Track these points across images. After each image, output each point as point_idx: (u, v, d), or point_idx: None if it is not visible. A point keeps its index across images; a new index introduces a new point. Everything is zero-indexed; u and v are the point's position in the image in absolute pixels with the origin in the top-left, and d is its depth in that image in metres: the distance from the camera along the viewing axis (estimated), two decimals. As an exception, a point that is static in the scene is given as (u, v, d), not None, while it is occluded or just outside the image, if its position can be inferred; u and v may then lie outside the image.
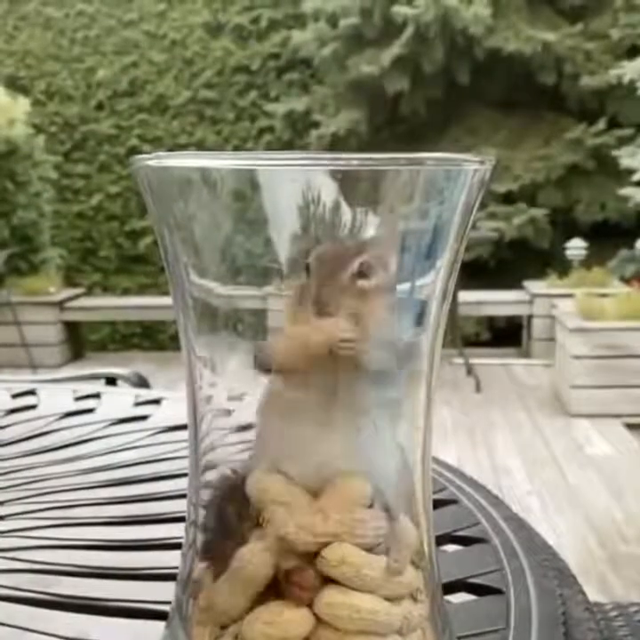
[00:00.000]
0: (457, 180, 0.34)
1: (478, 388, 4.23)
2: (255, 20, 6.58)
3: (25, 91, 6.19)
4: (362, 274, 0.34)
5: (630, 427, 3.55)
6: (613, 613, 0.72)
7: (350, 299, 0.34)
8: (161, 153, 0.34)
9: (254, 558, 0.34)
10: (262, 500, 0.35)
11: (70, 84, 6.55)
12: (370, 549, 0.34)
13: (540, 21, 5.92)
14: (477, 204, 0.36)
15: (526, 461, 3.16)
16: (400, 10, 5.64)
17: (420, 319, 0.36)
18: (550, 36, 5.72)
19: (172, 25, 6.56)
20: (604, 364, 3.72)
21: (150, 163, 0.34)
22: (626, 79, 5.03)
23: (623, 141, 5.50)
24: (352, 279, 0.34)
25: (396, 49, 5.76)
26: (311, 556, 0.34)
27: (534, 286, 5.06)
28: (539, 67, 5.86)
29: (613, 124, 5.76)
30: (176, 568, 0.39)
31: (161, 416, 0.84)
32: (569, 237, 5.32)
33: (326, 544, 0.34)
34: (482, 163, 0.34)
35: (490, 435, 3.50)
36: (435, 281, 0.35)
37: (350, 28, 5.91)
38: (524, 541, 0.54)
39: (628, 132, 5.64)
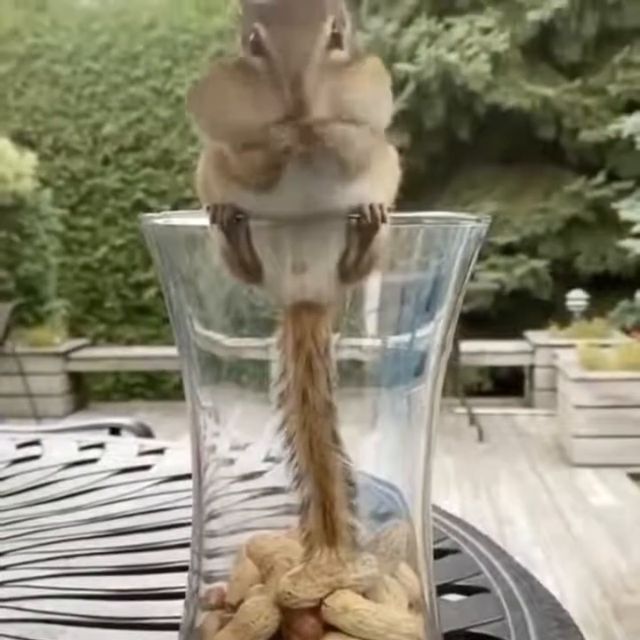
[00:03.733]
0: (454, 238, 0.35)
1: (481, 438, 4.21)
2: (259, 77, 6.68)
3: (32, 145, 6.27)
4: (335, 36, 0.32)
5: (634, 477, 3.52)
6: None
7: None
8: (168, 211, 0.36)
9: (259, 612, 0.34)
10: (262, 556, 0.36)
11: (77, 139, 6.65)
12: (366, 595, 0.34)
13: (540, 77, 6.03)
14: (475, 259, 0.37)
15: (530, 511, 3.13)
16: (402, 67, 5.76)
17: (419, 369, 0.37)
18: (549, 92, 5.82)
19: (177, 81, 6.67)
20: (607, 414, 3.71)
21: (158, 221, 0.36)
22: (625, 133, 5.11)
23: (622, 194, 5.56)
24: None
25: (397, 105, 5.85)
26: (314, 606, 0.34)
27: (536, 336, 5.07)
28: (538, 121, 5.95)
29: (612, 177, 5.82)
30: (179, 617, 0.39)
31: (164, 465, 0.84)
32: (570, 288, 5.34)
33: (326, 594, 0.34)
34: (478, 221, 0.36)
35: (493, 484, 3.47)
36: (434, 332, 0.37)
37: (353, 85, 6.01)
38: (526, 591, 0.54)
39: (627, 184, 5.70)
